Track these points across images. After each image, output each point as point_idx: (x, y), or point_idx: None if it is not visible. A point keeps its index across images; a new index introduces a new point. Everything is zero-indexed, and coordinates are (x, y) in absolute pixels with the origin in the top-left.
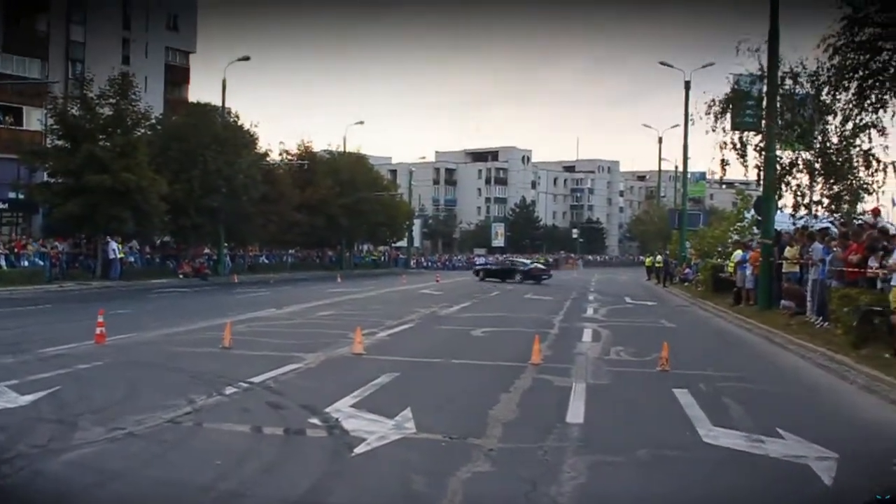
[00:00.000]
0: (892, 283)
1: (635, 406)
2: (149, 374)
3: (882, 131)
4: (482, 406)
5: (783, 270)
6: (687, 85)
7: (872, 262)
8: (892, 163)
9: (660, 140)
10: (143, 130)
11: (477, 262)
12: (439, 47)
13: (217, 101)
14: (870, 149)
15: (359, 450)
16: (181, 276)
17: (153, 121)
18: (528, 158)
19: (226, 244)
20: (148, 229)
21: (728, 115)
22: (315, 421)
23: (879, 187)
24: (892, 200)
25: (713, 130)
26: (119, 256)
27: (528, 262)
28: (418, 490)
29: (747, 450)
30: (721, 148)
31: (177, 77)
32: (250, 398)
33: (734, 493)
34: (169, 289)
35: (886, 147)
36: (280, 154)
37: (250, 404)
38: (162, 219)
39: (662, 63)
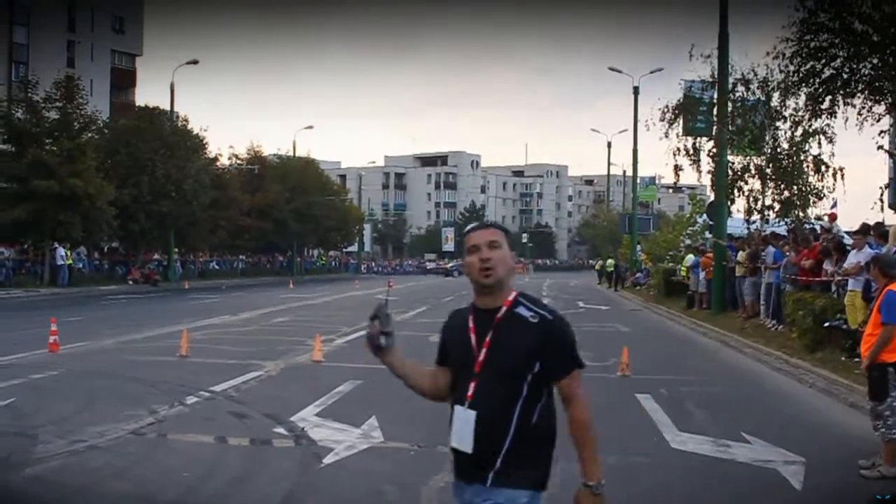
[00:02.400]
0: (848, 288)
1: (600, 412)
2: (107, 384)
3: (830, 139)
4: (447, 413)
5: (736, 275)
6: (636, 90)
7: (828, 266)
8: (841, 168)
9: (608, 145)
10: (90, 135)
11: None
12: (388, 52)
13: (165, 105)
14: (819, 154)
15: (327, 460)
16: (131, 283)
17: (100, 125)
18: (478, 163)
19: (175, 250)
20: (96, 235)
21: (680, 121)
22: (281, 430)
23: (830, 192)
24: (834, 203)
25: (666, 136)
26: (67, 263)
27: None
28: (392, 501)
29: (716, 455)
30: (675, 154)
31: (123, 80)
32: (213, 407)
33: (707, 500)
34: (119, 295)
35: (833, 154)
36: (229, 158)
37: (214, 414)
38: (110, 224)
39: (612, 69)
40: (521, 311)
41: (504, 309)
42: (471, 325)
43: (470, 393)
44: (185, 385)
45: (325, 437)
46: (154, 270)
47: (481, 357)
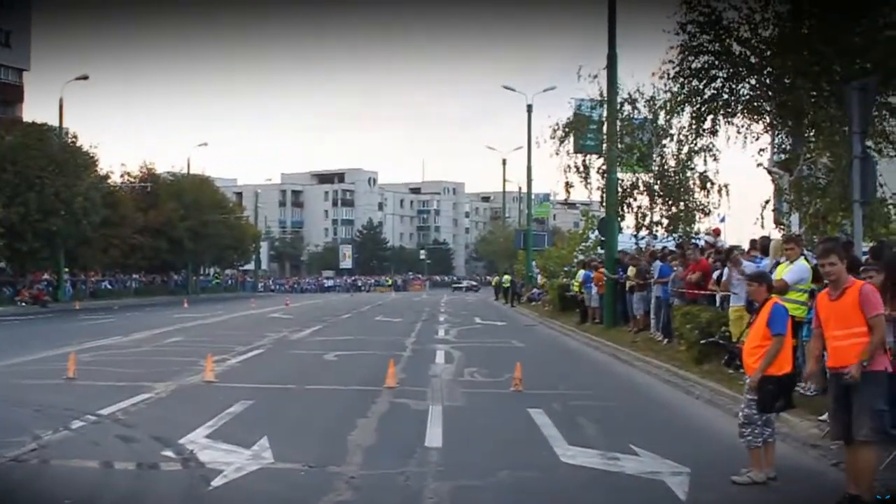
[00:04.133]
0: (731, 303)
1: (492, 428)
2: None
3: (714, 157)
4: (340, 432)
5: (627, 289)
6: (529, 108)
7: (716, 275)
8: (725, 185)
9: (504, 162)
10: None
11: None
12: (284, 68)
13: (54, 122)
14: (704, 171)
15: (216, 482)
16: (20, 304)
17: None
18: (375, 180)
19: (66, 269)
20: None
21: (571, 139)
22: (169, 453)
23: (716, 208)
24: (722, 218)
25: (557, 154)
26: None
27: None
28: None
29: (604, 468)
30: (565, 171)
31: (10, 95)
32: (99, 431)
33: None
34: (6, 317)
35: (717, 172)
36: (122, 176)
37: (100, 438)
38: None
39: (506, 87)
40: None
41: None
42: None
43: None
44: (72, 409)
45: (214, 459)
46: (43, 291)
47: None
